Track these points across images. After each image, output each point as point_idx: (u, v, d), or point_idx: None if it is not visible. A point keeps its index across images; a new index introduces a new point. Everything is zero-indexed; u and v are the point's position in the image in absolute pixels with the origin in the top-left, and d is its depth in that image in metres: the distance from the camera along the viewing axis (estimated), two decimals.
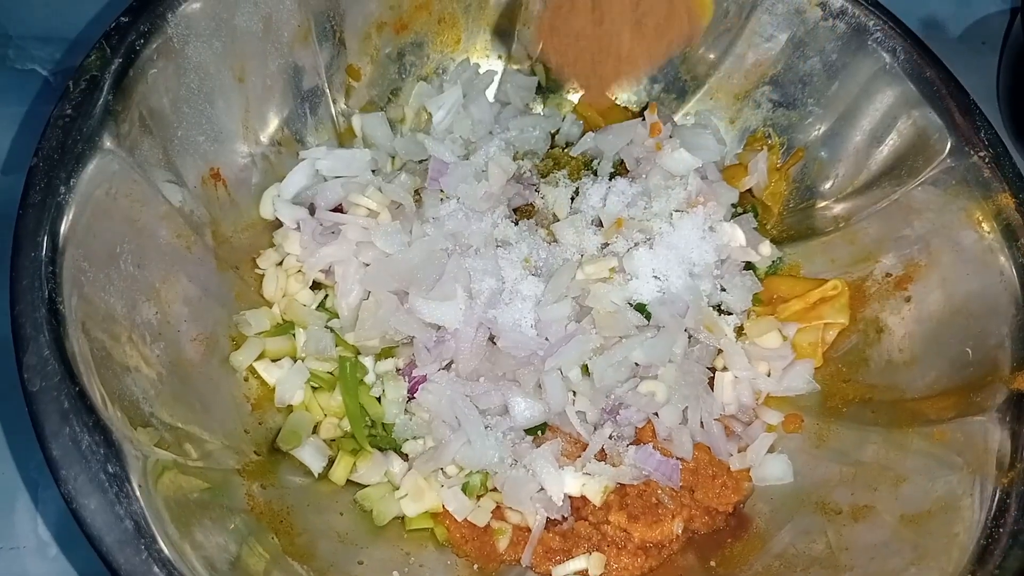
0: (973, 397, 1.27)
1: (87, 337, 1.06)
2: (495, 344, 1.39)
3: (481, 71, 1.71)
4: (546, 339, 1.37)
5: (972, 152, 1.38)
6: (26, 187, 1.09)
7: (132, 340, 1.17)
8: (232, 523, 1.13)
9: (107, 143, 1.17)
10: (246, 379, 1.39)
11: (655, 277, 1.40)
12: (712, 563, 1.35)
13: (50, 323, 1.02)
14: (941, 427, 1.29)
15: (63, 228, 1.08)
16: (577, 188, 1.53)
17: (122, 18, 1.24)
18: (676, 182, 1.50)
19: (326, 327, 1.44)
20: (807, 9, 1.53)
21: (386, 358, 1.43)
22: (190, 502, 1.08)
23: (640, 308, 1.39)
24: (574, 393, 1.37)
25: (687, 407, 1.38)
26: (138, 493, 0.97)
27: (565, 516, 1.36)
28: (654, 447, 1.36)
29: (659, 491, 1.36)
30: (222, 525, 1.11)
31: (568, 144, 1.66)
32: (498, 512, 1.38)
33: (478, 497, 1.38)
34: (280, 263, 1.49)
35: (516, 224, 1.48)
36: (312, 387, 1.42)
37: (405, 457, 1.39)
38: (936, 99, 1.43)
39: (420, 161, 1.59)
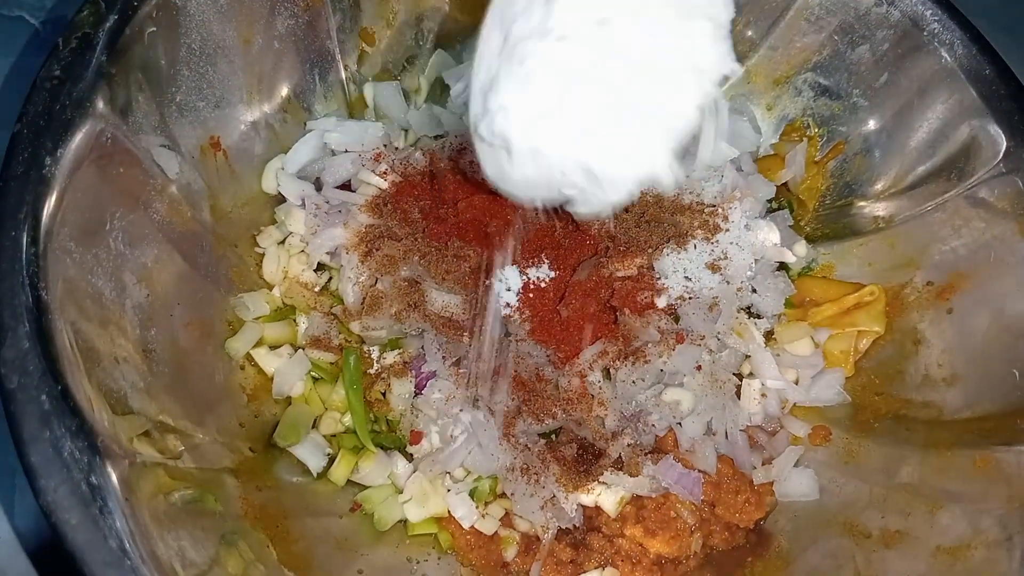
0: (1021, 424, 1.19)
1: (71, 327, 0.96)
2: (511, 341, 1.30)
3: None
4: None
5: None
6: (7, 157, 0.98)
7: (121, 327, 1.07)
8: (225, 533, 1.05)
9: (99, 108, 1.06)
10: (242, 368, 1.30)
11: (686, 278, 1.31)
12: None
13: (31, 311, 0.92)
14: (984, 453, 1.21)
15: (48, 204, 0.98)
16: None
17: None
18: (710, 173, 1.40)
19: (330, 313, 1.35)
20: None
21: (393, 350, 1.33)
22: (180, 512, 0.99)
23: (669, 310, 1.30)
24: (593, 397, 1.28)
25: (712, 418, 1.30)
26: (124, 507, 0.88)
27: (577, 526, 1.29)
28: (675, 458, 1.28)
29: (678, 504, 1.28)
30: (215, 536, 1.02)
31: None
32: (506, 519, 1.31)
33: (486, 503, 1.30)
34: (282, 242, 1.40)
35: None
36: (313, 378, 1.33)
37: (410, 457, 1.31)
38: (994, 100, 1.33)
39: (436, 137, 1.48)
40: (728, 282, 1.33)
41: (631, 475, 1.27)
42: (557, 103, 0.84)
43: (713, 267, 1.33)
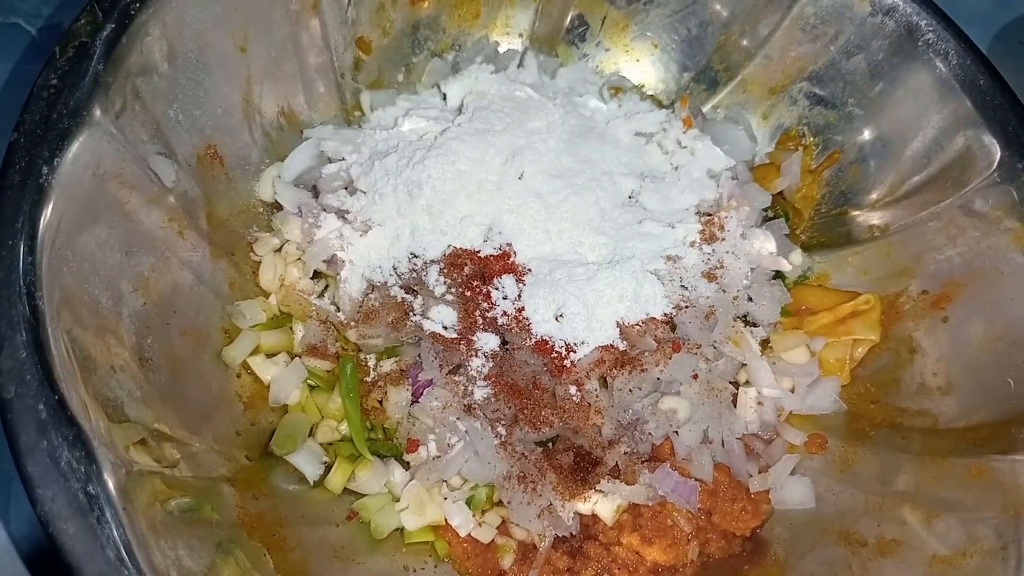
0: (1016, 433, 1.19)
1: (68, 336, 0.96)
2: (508, 350, 1.30)
3: (501, 50, 1.60)
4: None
5: None
6: (4, 166, 0.98)
7: (117, 336, 1.07)
8: (221, 542, 1.04)
9: (96, 117, 1.06)
10: (239, 375, 1.30)
11: (682, 287, 1.31)
12: None
13: (28, 321, 0.92)
14: (979, 462, 1.21)
15: (45, 213, 0.98)
16: None
17: None
18: (705, 182, 1.41)
19: (327, 321, 1.34)
20: (855, 4, 1.43)
21: (389, 358, 1.33)
22: (177, 520, 0.99)
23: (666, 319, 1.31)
24: (590, 406, 1.28)
25: (708, 426, 1.30)
26: (122, 516, 0.88)
27: (574, 534, 1.28)
28: (672, 466, 1.28)
29: (675, 513, 1.28)
30: (211, 545, 1.02)
31: None
32: (503, 527, 1.31)
33: (483, 511, 1.30)
34: (279, 250, 1.39)
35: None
36: (309, 386, 1.33)
37: (406, 466, 1.30)
38: (988, 110, 1.34)
39: None
40: (724, 291, 1.34)
41: (628, 483, 1.28)
42: None
43: (709, 276, 1.33)
